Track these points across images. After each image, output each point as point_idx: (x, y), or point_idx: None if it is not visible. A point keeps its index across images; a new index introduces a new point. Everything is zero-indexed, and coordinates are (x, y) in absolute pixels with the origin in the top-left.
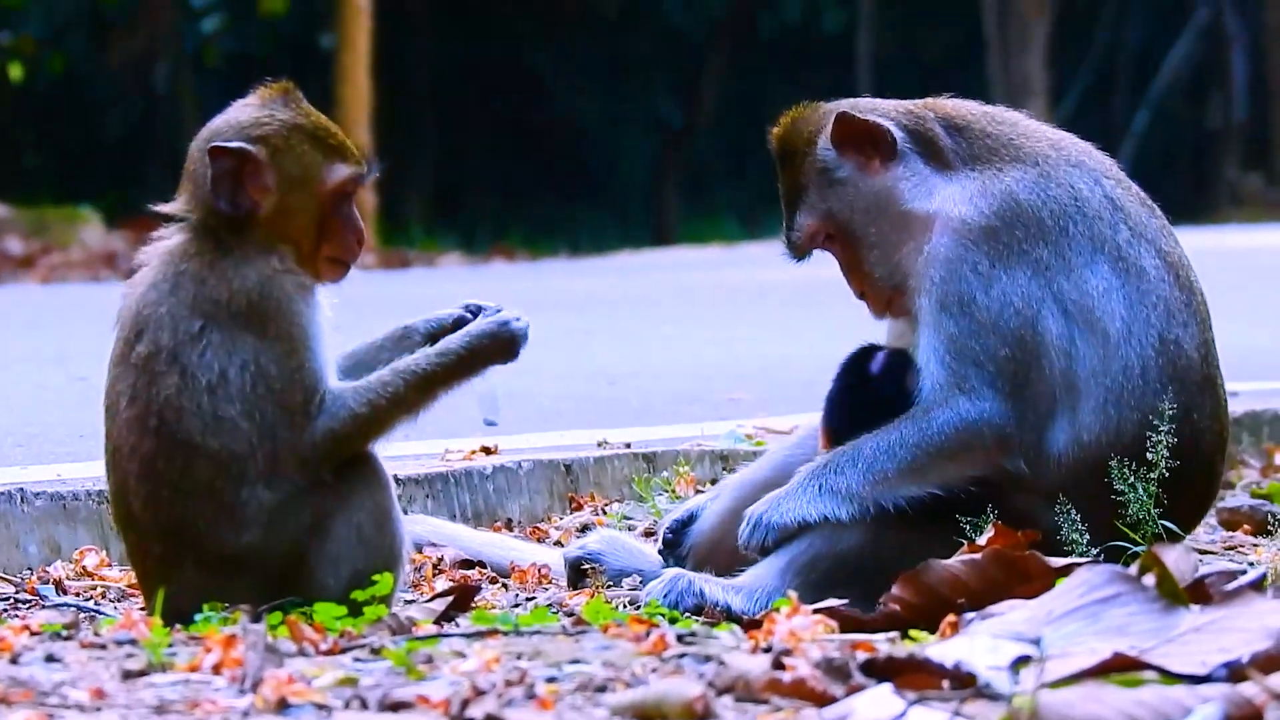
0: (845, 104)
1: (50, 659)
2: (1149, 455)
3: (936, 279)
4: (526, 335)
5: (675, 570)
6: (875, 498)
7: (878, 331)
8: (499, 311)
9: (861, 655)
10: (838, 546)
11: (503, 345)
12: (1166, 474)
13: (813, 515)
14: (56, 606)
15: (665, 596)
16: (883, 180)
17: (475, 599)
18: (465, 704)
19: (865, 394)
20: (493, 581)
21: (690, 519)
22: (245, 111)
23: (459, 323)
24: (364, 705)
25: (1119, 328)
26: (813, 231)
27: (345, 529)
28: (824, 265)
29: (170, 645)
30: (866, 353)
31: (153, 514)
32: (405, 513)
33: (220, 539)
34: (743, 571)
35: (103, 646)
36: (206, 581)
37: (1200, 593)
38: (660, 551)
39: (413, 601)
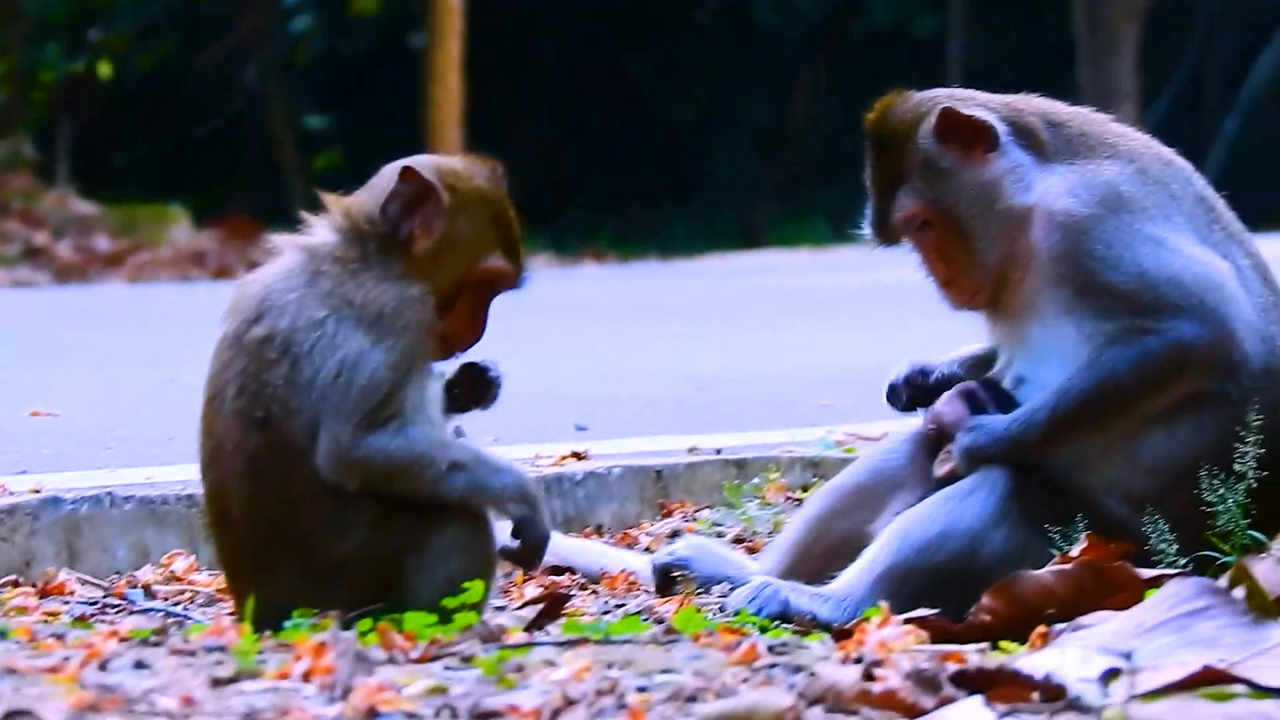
0: (944, 94)
1: (139, 665)
2: (1237, 466)
3: (1055, 276)
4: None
5: (762, 578)
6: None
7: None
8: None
9: (952, 666)
10: (929, 559)
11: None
12: (1254, 484)
13: (1007, 450)
14: (145, 612)
15: (750, 603)
16: (986, 171)
17: (565, 606)
18: (556, 713)
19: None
20: (582, 588)
21: (923, 373)
22: (450, 161)
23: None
24: (454, 714)
25: None
26: (911, 215)
27: (441, 537)
28: (915, 269)
29: (260, 652)
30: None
31: (253, 516)
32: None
33: (323, 545)
34: (831, 580)
35: (192, 653)
36: (301, 588)
37: None
38: (889, 398)
39: (503, 608)
